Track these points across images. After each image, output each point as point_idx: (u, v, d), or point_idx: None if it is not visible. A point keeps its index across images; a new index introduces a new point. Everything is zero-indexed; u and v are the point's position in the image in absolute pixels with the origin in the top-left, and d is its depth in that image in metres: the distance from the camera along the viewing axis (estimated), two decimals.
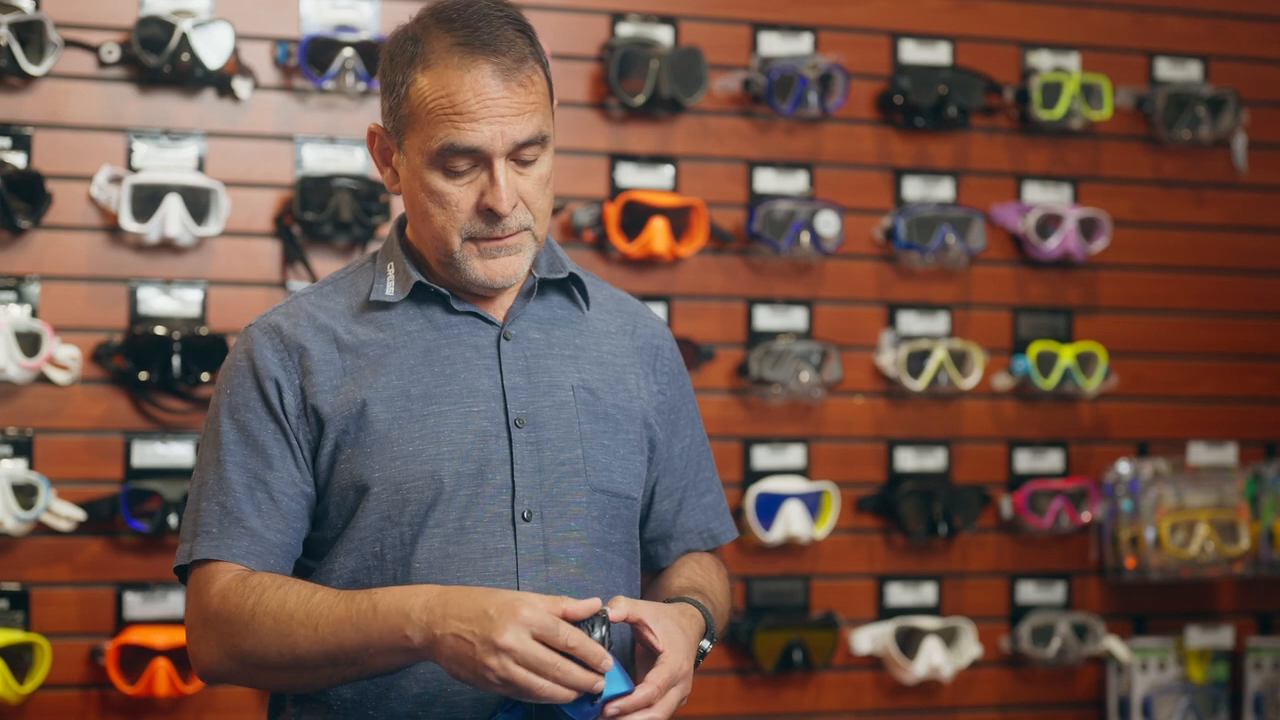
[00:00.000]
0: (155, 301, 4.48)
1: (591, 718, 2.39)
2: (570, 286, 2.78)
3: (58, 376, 4.37)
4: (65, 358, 4.37)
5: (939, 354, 4.99)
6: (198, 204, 4.43)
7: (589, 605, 2.38)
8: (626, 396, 2.74)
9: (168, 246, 4.48)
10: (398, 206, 4.58)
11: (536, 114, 2.60)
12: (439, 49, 2.56)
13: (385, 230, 4.59)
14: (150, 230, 4.40)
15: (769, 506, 4.81)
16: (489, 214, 2.57)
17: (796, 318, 4.97)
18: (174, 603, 4.43)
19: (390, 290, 2.67)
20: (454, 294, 2.67)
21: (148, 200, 4.40)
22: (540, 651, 2.32)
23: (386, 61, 2.63)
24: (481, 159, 2.56)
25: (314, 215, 4.52)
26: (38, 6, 4.40)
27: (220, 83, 4.53)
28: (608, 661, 2.36)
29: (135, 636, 4.32)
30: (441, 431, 2.59)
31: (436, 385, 2.61)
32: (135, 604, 4.41)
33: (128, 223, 4.38)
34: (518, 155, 2.59)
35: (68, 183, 4.43)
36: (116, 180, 4.42)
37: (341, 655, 2.44)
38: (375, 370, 2.61)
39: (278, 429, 2.60)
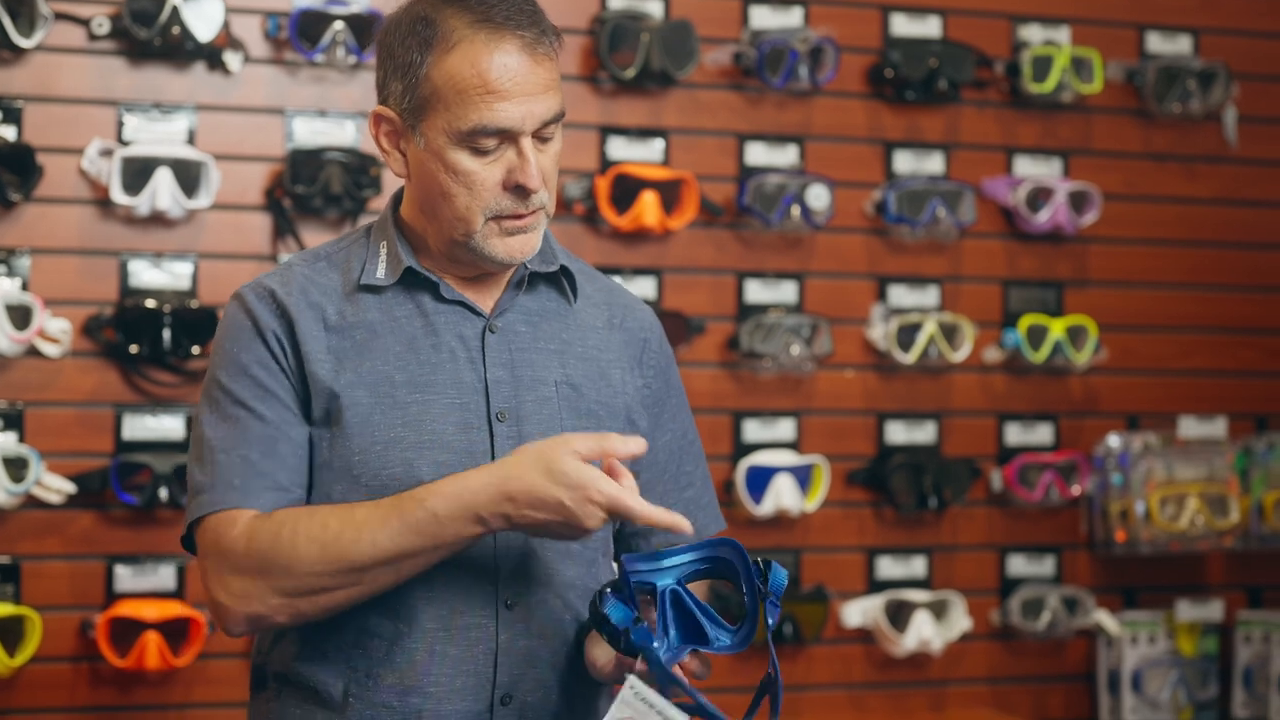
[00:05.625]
0: (146, 274, 4.48)
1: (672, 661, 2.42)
2: (560, 278, 2.77)
3: (48, 349, 4.37)
4: (56, 331, 4.36)
5: (929, 327, 4.99)
6: (188, 177, 4.42)
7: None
8: (610, 392, 2.73)
9: (158, 219, 4.48)
10: (389, 181, 4.58)
11: (557, 91, 2.60)
12: (459, 26, 2.53)
13: (376, 204, 4.59)
14: (141, 203, 4.40)
15: (759, 480, 4.82)
16: (518, 190, 2.56)
17: (787, 291, 4.98)
18: (164, 576, 4.43)
19: (381, 274, 2.65)
20: (444, 281, 2.67)
21: (138, 173, 4.39)
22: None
23: (394, 43, 2.59)
24: (509, 137, 2.55)
25: (304, 188, 4.52)
26: None
27: (211, 56, 4.52)
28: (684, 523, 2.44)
29: (126, 610, 4.32)
30: (423, 421, 2.58)
31: (421, 374, 2.60)
32: (126, 577, 4.41)
33: (118, 196, 4.38)
34: (539, 133, 2.58)
35: (58, 156, 4.43)
36: (107, 153, 4.42)
37: (408, 558, 2.46)
38: (360, 354, 2.60)
39: (289, 385, 2.58)
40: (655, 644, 2.36)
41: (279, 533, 2.48)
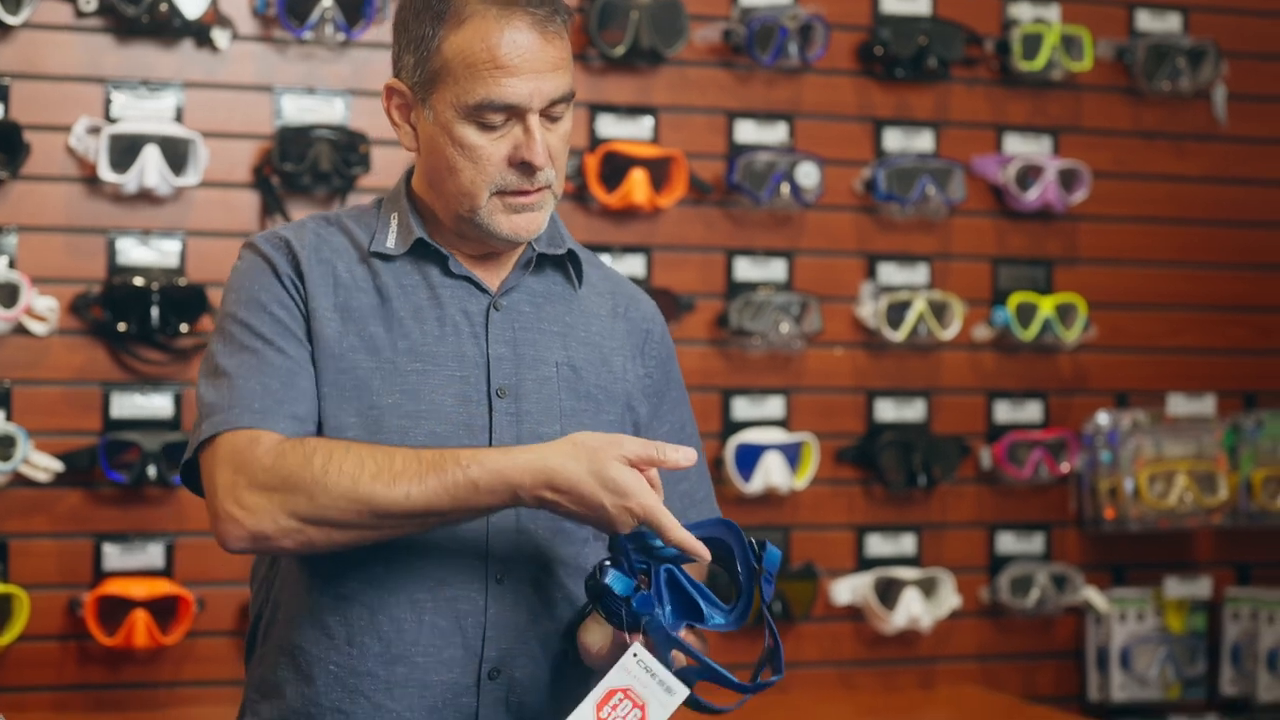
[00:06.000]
0: (134, 252, 4.47)
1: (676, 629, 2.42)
2: (566, 263, 2.77)
3: (35, 327, 4.37)
4: (43, 309, 4.36)
5: (919, 305, 4.99)
6: (176, 154, 4.41)
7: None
8: (610, 378, 2.74)
9: (146, 197, 4.47)
10: (378, 159, 4.58)
11: (567, 70, 2.60)
12: (471, 1, 2.55)
13: (365, 181, 4.58)
14: (128, 181, 4.39)
15: (748, 457, 4.82)
16: (523, 167, 2.56)
17: (776, 269, 4.97)
18: (152, 554, 4.43)
19: (391, 243, 2.66)
20: (452, 256, 2.67)
21: (126, 151, 4.39)
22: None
23: (409, 17, 2.61)
24: (516, 114, 2.55)
25: (293, 166, 4.51)
26: None
27: (199, 33, 4.51)
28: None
29: (114, 588, 4.32)
30: (422, 390, 2.58)
31: (424, 344, 2.60)
32: (114, 555, 4.41)
33: (106, 173, 4.37)
34: (548, 111, 2.58)
35: (45, 133, 4.42)
36: (94, 131, 4.40)
37: (433, 516, 2.45)
38: (365, 317, 2.60)
39: (305, 328, 2.59)
40: (657, 611, 2.37)
41: (311, 458, 2.45)
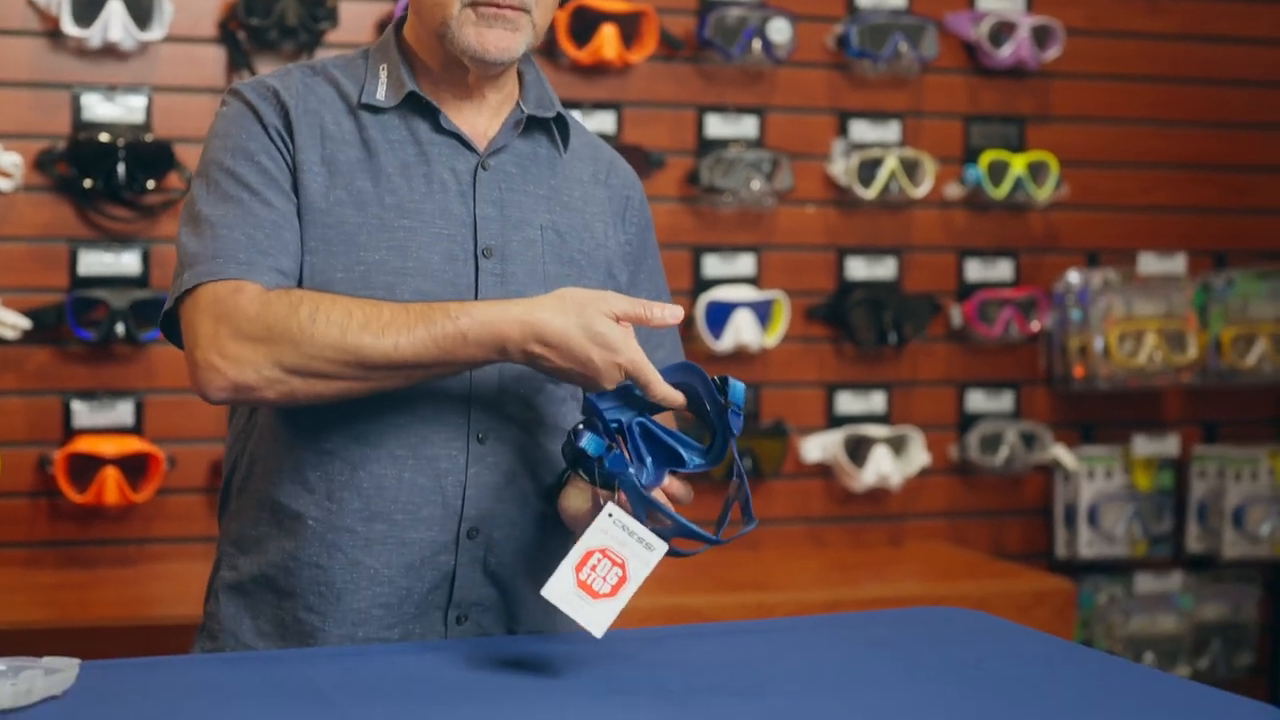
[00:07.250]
0: (99, 108, 4.42)
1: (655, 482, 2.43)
2: (553, 126, 2.75)
3: (0, 184, 4.33)
4: (8, 164, 4.32)
5: (890, 163, 4.97)
6: (140, 8, 4.36)
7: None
8: (593, 244, 2.73)
9: (111, 51, 4.42)
10: (345, 14, 4.53)
11: None
12: None
13: (333, 37, 4.53)
14: (92, 35, 4.34)
15: (719, 315, 4.81)
16: None
17: (748, 125, 4.94)
18: (122, 412, 4.42)
19: (381, 94, 2.63)
20: (443, 111, 2.64)
21: (89, 4, 4.33)
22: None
23: None
24: None
25: (259, 21, 4.45)
26: None
27: None
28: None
29: (83, 445, 4.32)
30: (409, 247, 2.56)
31: (411, 200, 2.58)
32: (83, 413, 4.40)
33: (69, 27, 4.32)
34: None
35: None
36: None
37: (419, 368, 2.44)
38: (352, 171, 2.58)
39: (291, 180, 2.57)
40: (630, 470, 2.37)
41: (298, 307, 2.43)
